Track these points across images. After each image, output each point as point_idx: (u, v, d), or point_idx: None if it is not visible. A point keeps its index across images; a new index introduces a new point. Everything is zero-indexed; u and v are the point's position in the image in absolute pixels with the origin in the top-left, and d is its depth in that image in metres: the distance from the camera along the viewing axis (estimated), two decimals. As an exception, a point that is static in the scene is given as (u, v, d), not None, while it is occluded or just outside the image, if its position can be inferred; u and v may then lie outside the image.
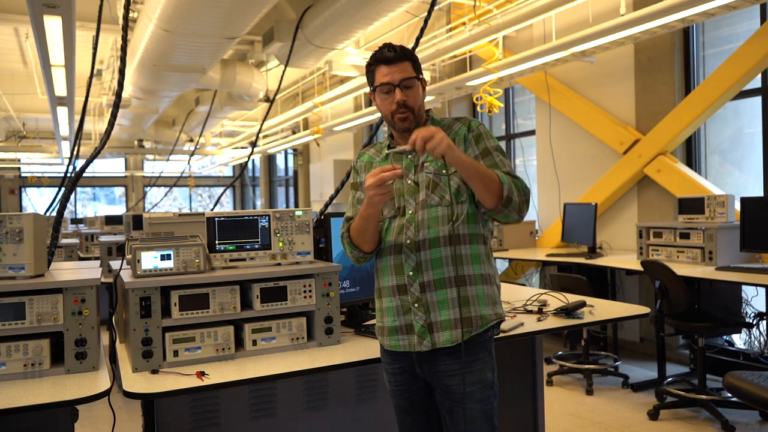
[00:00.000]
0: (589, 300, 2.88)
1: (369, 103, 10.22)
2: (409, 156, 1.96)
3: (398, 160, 1.98)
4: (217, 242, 2.32)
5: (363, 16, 4.91)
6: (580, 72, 6.08)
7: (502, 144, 7.71)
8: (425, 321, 1.86)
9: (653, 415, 3.97)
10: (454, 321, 1.83)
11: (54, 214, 3.40)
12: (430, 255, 1.86)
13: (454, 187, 1.89)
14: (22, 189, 16.09)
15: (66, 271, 2.35)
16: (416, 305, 1.87)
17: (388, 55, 1.90)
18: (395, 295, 1.91)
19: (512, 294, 3.14)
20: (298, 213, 2.42)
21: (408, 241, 1.89)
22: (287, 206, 14.72)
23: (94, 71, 5.02)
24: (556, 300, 2.91)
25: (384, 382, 2.06)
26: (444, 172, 1.89)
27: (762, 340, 4.47)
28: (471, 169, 1.76)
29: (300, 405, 2.46)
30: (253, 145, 7.65)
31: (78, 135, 4.50)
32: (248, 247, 2.35)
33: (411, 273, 1.88)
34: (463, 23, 5.94)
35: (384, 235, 1.96)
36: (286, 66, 5.96)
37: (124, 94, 7.79)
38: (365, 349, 2.24)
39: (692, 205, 4.64)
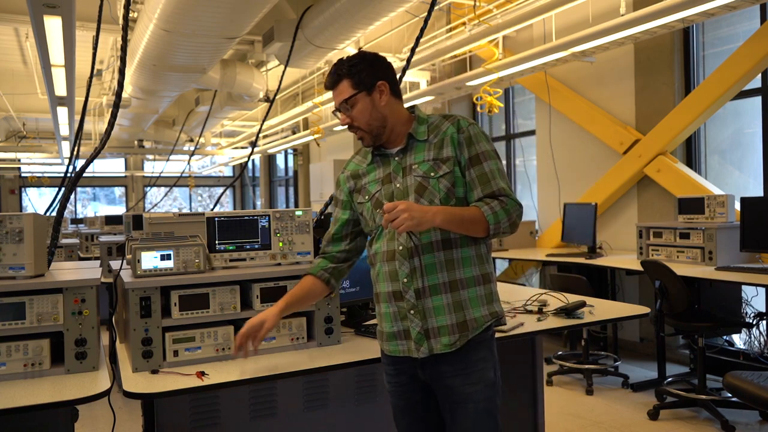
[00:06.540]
0: (589, 300, 2.88)
1: (369, 103, 10.20)
2: (396, 158, 1.92)
3: (386, 164, 1.94)
4: (217, 242, 2.32)
5: (363, 16, 4.90)
6: (580, 72, 6.08)
7: (502, 144, 7.71)
8: (422, 327, 1.83)
9: (653, 415, 3.97)
10: (451, 327, 1.82)
11: (54, 214, 3.39)
12: (423, 261, 1.82)
13: (443, 191, 1.84)
14: (22, 189, 16.08)
15: (66, 271, 2.35)
16: (412, 312, 1.83)
17: (327, 83, 1.91)
18: (391, 302, 1.87)
19: (512, 294, 3.14)
20: (298, 213, 2.42)
21: (400, 248, 1.84)
22: (287, 206, 14.71)
23: (94, 71, 5.01)
24: (556, 300, 2.91)
25: (384, 382, 2.06)
26: (432, 174, 1.85)
27: (762, 340, 4.47)
28: (452, 224, 1.77)
29: (300, 405, 2.46)
30: (253, 145, 7.63)
31: (78, 135, 4.48)
32: (248, 247, 2.35)
33: (405, 280, 1.83)
34: (463, 23, 5.94)
35: (375, 241, 1.94)
36: (286, 66, 5.96)
37: (124, 94, 7.78)
38: (365, 349, 2.25)
39: (692, 205, 4.64)
